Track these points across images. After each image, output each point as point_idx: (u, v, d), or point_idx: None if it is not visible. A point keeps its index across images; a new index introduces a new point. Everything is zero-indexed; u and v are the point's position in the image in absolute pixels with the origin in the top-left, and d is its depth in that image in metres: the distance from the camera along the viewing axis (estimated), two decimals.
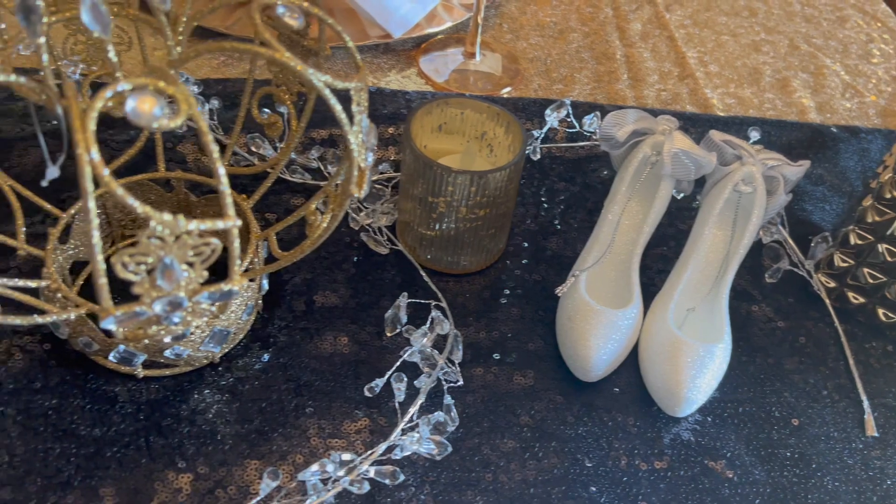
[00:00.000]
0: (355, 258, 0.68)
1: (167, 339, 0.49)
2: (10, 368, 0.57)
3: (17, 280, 0.52)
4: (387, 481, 0.52)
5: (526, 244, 0.72)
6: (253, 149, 0.75)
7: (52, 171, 0.50)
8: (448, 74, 0.90)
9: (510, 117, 0.66)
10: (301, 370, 0.60)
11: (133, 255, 0.38)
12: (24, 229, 0.58)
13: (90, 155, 0.36)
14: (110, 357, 0.55)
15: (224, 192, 0.40)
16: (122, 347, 0.54)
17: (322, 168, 0.75)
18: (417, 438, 0.53)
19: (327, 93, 0.44)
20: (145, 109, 0.37)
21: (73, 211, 0.60)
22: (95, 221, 0.37)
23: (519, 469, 0.56)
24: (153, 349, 0.55)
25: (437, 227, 0.65)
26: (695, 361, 0.58)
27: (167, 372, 0.58)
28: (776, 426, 0.61)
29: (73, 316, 0.52)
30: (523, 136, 0.64)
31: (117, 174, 0.63)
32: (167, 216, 0.37)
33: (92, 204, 0.36)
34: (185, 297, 0.42)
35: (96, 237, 0.37)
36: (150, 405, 0.56)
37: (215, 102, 0.78)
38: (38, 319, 0.49)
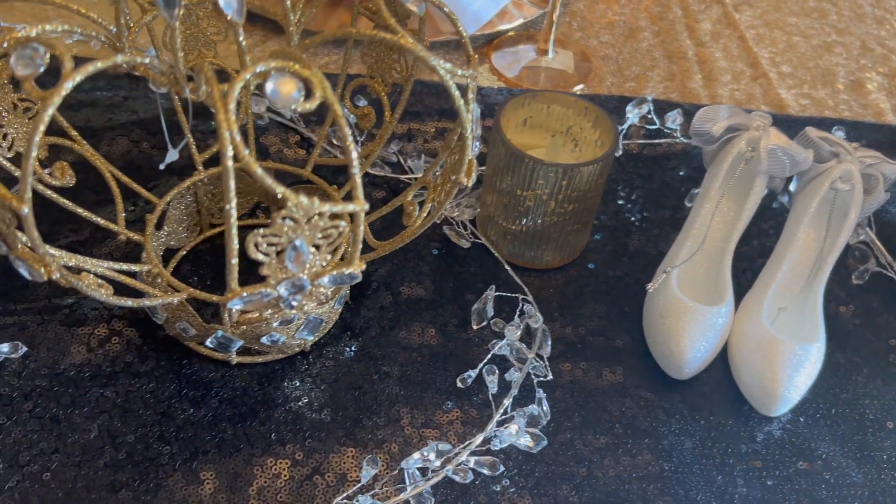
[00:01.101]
0: (437, 251, 0.68)
1: (275, 324, 0.49)
2: (108, 352, 0.57)
3: (121, 264, 0.52)
4: (486, 472, 0.52)
5: (606, 241, 0.72)
6: (335, 141, 0.75)
7: (172, 154, 0.50)
8: (519, 71, 0.90)
9: (598, 111, 0.66)
10: (391, 360, 0.60)
11: (265, 235, 0.38)
12: (123, 214, 0.58)
13: (232, 134, 0.36)
14: (207, 343, 0.55)
15: (355, 175, 0.40)
16: (220, 333, 0.55)
17: (402, 162, 0.75)
18: (515, 430, 0.52)
19: (449, 81, 0.44)
20: (286, 91, 0.37)
21: (168, 198, 0.61)
22: (234, 201, 0.37)
23: (613, 465, 0.56)
24: (250, 336, 0.55)
25: (522, 221, 0.65)
26: (791, 360, 0.57)
27: (259, 359, 0.59)
28: (871, 428, 0.60)
29: (176, 300, 0.52)
30: (614, 130, 0.64)
31: (207, 163, 0.64)
32: (304, 198, 0.38)
33: (232, 183, 0.37)
34: (308, 280, 0.42)
35: (233, 216, 0.37)
36: (244, 391, 0.57)
37: None
38: (146, 302, 0.50)
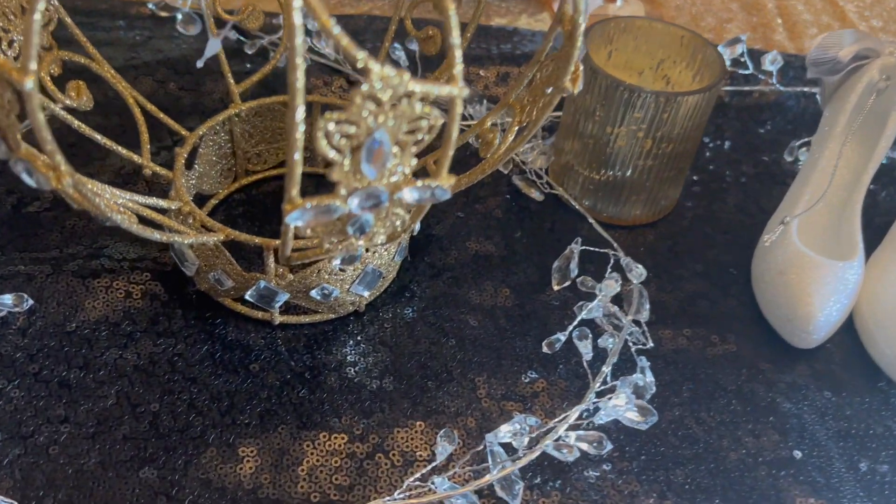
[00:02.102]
0: (504, 204, 0.59)
1: (334, 263, 0.40)
2: (128, 309, 0.49)
3: (148, 198, 0.44)
4: (591, 449, 0.42)
5: (699, 196, 0.62)
6: None
7: (214, 45, 0.41)
8: None
9: (698, 40, 0.56)
10: (460, 323, 0.50)
11: (340, 121, 0.29)
12: (148, 146, 0.50)
13: None
14: (247, 296, 0.46)
15: (454, 47, 0.30)
16: (262, 284, 0.46)
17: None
18: (624, 401, 0.43)
19: None
20: None
21: (200, 131, 0.52)
22: (302, 66, 0.28)
23: (733, 446, 0.46)
24: (298, 288, 0.46)
25: (608, 169, 0.56)
26: None
27: (306, 319, 0.50)
28: None
29: (213, 241, 0.43)
30: (720, 60, 0.55)
31: (245, 97, 0.55)
32: (389, 69, 0.29)
33: (300, 40, 0.28)
34: (386, 192, 0.33)
35: (300, 79, 0.28)
36: (290, 355, 0.47)
37: None
38: (177, 238, 0.41)
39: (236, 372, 0.46)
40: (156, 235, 0.39)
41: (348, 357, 0.48)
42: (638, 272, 0.50)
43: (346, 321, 0.50)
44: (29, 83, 0.28)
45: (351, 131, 0.30)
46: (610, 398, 0.44)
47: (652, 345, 0.50)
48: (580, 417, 0.45)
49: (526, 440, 0.42)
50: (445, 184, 0.33)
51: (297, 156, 0.30)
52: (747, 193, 0.63)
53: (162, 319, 0.48)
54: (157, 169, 0.49)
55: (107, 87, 0.53)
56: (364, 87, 0.29)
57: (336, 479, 0.42)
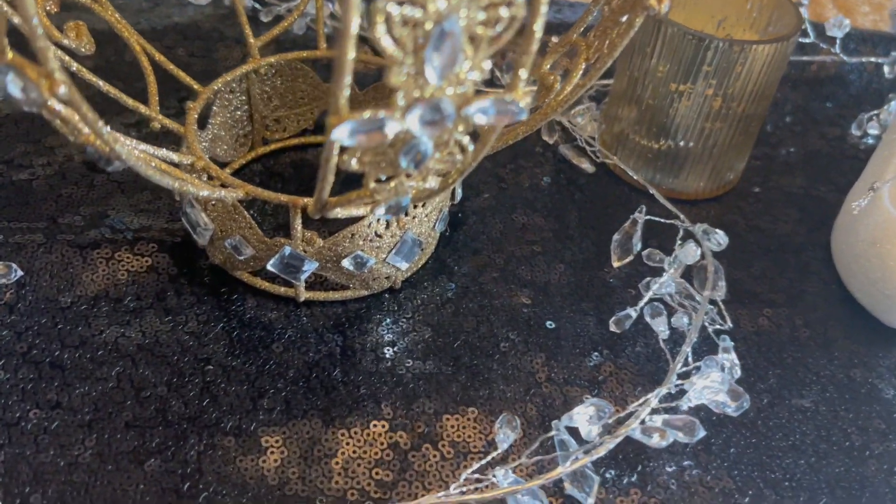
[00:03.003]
0: (551, 175, 0.53)
1: (380, 212, 0.34)
2: (132, 283, 0.42)
3: (157, 148, 0.38)
4: (682, 436, 0.36)
5: (762, 171, 0.56)
6: None
7: None
8: None
9: None
10: (511, 301, 0.44)
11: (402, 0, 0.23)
12: (157, 97, 0.44)
13: None
14: (270, 264, 0.40)
15: None
16: (288, 250, 0.39)
17: (497, 77, 0.60)
18: (718, 378, 0.36)
19: None
20: None
21: (216, 85, 0.46)
22: None
23: (835, 438, 0.40)
24: (328, 257, 0.40)
25: (668, 137, 0.50)
26: None
27: (335, 296, 0.43)
28: None
29: (232, 197, 0.37)
30: (795, 12, 0.49)
31: (267, 50, 0.49)
32: None
33: None
34: (453, 105, 0.27)
35: None
36: (318, 334, 0.41)
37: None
38: (191, 189, 0.35)
39: (256, 352, 0.40)
40: (167, 181, 0.33)
41: (385, 337, 0.41)
42: (717, 238, 0.43)
43: (380, 299, 0.44)
44: None
45: (416, 15, 0.24)
46: (695, 380, 0.38)
47: (731, 325, 0.44)
48: (664, 400, 0.38)
49: (597, 428, 0.36)
50: (522, 100, 0.27)
51: (350, 51, 0.24)
52: (815, 168, 0.57)
53: (170, 295, 0.42)
54: (168, 122, 0.43)
55: (109, 40, 0.47)
56: None
57: (376, 473, 0.36)
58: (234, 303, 0.42)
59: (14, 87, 0.26)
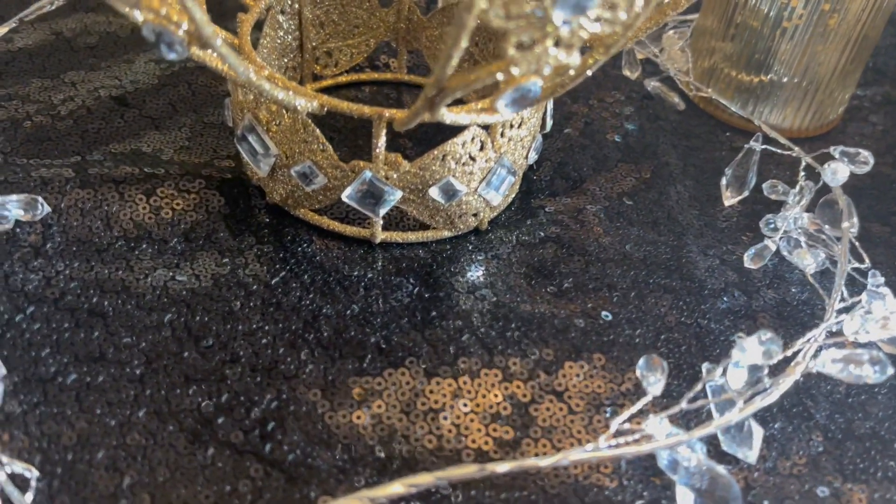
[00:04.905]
0: (637, 112, 0.47)
1: (502, 103, 0.28)
2: (178, 221, 0.36)
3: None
4: (870, 372, 0.29)
5: (867, 109, 0.51)
6: None
7: None
8: None
9: None
10: (622, 238, 0.38)
11: None
12: (205, 4, 0.37)
13: None
14: (346, 194, 0.34)
15: None
16: (368, 174, 0.33)
17: None
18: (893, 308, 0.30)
19: None
20: None
21: (268, 1, 0.40)
22: None
23: None
24: (414, 183, 0.34)
25: (770, 67, 0.45)
26: None
27: (414, 237, 0.37)
28: None
29: (313, 105, 0.31)
30: None
31: None
32: None
33: None
34: None
35: None
36: (403, 277, 0.35)
37: None
38: (267, 87, 0.29)
39: (333, 295, 0.33)
40: (244, 70, 0.27)
41: (481, 278, 0.35)
42: (863, 157, 0.37)
43: (465, 241, 0.37)
44: None
45: None
46: (862, 312, 0.31)
47: (868, 264, 0.38)
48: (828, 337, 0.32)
49: (766, 367, 0.30)
50: None
51: None
52: None
53: (224, 236, 0.36)
54: (221, 32, 0.37)
55: None
56: None
57: (494, 429, 0.29)
58: (299, 244, 0.36)
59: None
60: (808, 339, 0.31)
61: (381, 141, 0.33)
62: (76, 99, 0.42)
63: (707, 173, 0.43)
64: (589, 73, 0.28)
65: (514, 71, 0.25)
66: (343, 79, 0.47)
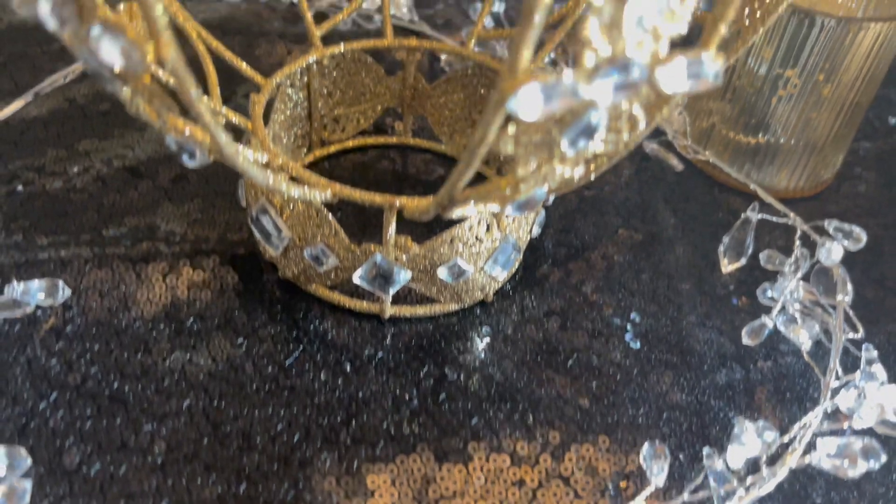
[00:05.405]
0: (635, 174, 0.48)
1: (509, 209, 0.29)
2: (194, 301, 0.37)
3: (235, 143, 0.32)
4: (863, 462, 0.31)
5: (862, 163, 0.52)
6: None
7: None
8: None
9: None
10: (623, 311, 0.39)
11: None
12: (218, 88, 0.39)
13: None
14: (357, 276, 0.35)
15: None
16: (378, 258, 0.34)
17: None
18: (888, 398, 0.32)
19: None
20: None
21: (279, 78, 0.41)
22: None
23: None
24: (423, 265, 0.35)
25: (766, 129, 0.46)
26: None
27: (422, 311, 0.38)
28: None
29: (325, 195, 0.32)
30: None
31: (326, 40, 0.44)
32: None
33: None
34: (646, 67, 0.22)
35: None
36: (411, 355, 0.36)
37: None
38: (284, 188, 0.30)
39: (345, 376, 0.35)
40: (262, 176, 0.28)
41: (488, 355, 0.36)
42: (857, 235, 0.39)
43: (471, 313, 0.39)
44: None
45: None
46: (856, 394, 0.33)
47: (863, 333, 0.39)
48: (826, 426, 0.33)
49: (764, 456, 0.31)
50: (716, 58, 0.23)
51: None
52: None
53: (238, 314, 0.37)
54: (233, 115, 0.38)
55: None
56: None
57: None
58: (311, 321, 0.37)
59: (110, 50, 0.21)
60: (804, 425, 0.32)
61: (392, 227, 0.34)
62: (91, 171, 0.43)
63: (705, 237, 0.45)
64: (592, 177, 0.30)
65: (523, 187, 0.26)
66: (349, 143, 0.48)
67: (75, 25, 0.21)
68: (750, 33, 0.32)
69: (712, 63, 0.23)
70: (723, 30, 0.23)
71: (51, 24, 0.21)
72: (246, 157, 0.27)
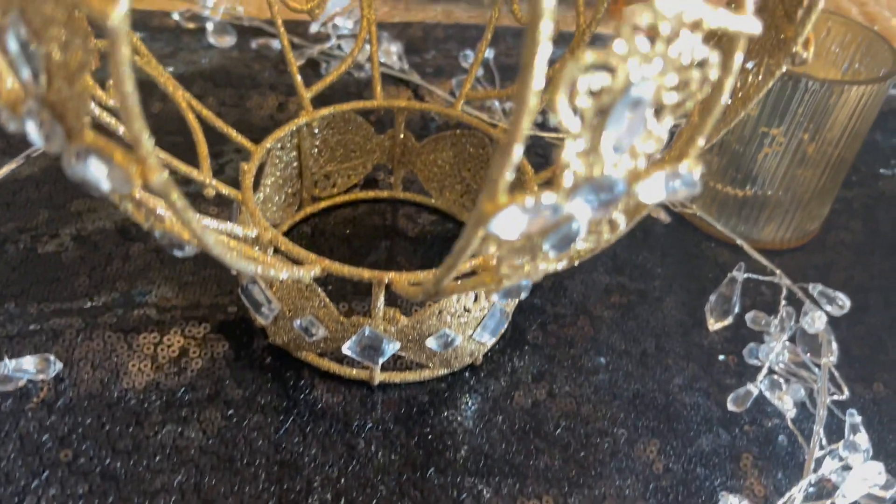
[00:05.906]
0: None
1: (494, 297, 0.30)
2: (185, 371, 0.37)
3: (221, 222, 0.33)
4: None
5: (847, 214, 0.53)
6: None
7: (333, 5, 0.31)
8: None
9: (870, 34, 0.47)
10: (610, 374, 0.40)
11: (591, 66, 0.19)
12: (208, 161, 0.39)
13: None
14: (346, 347, 0.35)
15: None
16: (367, 330, 0.35)
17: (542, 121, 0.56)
18: (877, 471, 0.32)
19: None
20: None
21: (268, 143, 0.42)
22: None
23: None
24: (412, 336, 0.35)
25: (753, 183, 0.46)
26: None
27: (412, 377, 0.39)
28: None
29: (313, 273, 0.33)
30: (892, 52, 0.45)
31: (319, 100, 0.45)
32: None
33: None
34: (623, 184, 0.22)
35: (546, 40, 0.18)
36: (400, 424, 0.36)
37: (398, 46, 0.60)
38: (272, 273, 0.30)
39: (335, 449, 0.35)
40: (250, 267, 0.28)
41: (476, 423, 0.37)
42: (841, 301, 0.39)
43: (461, 377, 0.39)
44: (118, 12, 0.18)
45: (604, 84, 0.19)
46: (843, 467, 0.33)
47: (847, 395, 0.40)
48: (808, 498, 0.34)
49: None
50: (694, 169, 0.23)
51: (527, 125, 0.20)
52: None
53: (229, 383, 0.37)
54: (222, 188, 0.38)
55: (148, 97, 0.42)
56: (627, 20, 0.19)
57: None
58: (301, 390, 0.37)
59: (96, 174, 0.21)
60: (788, 499, 0.33)
61: (380, 301, 0.34)
62: (83, 233, 0.43)
63: (693, 293, 0.45)
64: (575, 264, 0.30)
65: (506, 283, 0.27)
66: (339, 199, 0.48)
67: (62, 146, 0.22)
68: (732, 114, 0.32)
69: (689, 174, 0.23)
70: (700, 143, 0.23)
71: (38, 142, 0.22)
72: (234, 256, 0.27)
